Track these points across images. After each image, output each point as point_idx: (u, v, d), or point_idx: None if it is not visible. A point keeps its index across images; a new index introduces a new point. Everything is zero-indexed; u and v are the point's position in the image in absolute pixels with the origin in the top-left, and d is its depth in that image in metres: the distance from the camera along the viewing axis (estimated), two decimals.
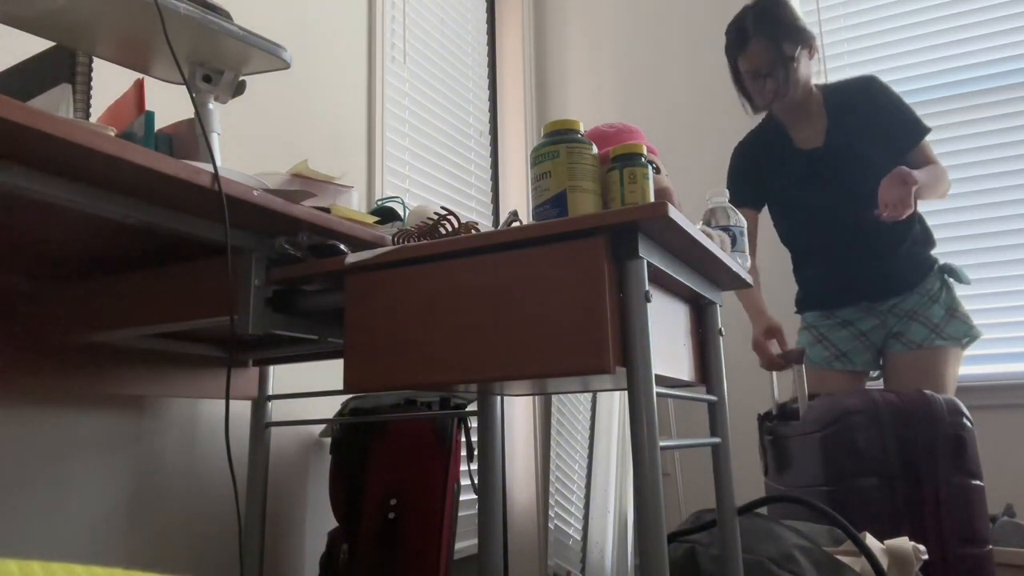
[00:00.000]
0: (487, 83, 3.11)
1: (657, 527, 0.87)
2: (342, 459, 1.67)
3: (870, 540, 1.33)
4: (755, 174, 2.06)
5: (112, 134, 0.81)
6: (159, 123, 1.19)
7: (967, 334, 1.88)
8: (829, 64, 2.79)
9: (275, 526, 1.74)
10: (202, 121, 1.11)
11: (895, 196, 1.73)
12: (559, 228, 0.91)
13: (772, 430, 1.80)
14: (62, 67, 1.18)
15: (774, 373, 1.94)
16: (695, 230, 0.98)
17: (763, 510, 1.59)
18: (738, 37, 1.93)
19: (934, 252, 1.97)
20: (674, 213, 0.90)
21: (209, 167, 0.91)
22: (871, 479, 1.54)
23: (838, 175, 1.94)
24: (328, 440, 1.88)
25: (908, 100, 2.65)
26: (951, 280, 1.93)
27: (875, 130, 1.93)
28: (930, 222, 2.62)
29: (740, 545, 1.25)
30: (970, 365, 2.46)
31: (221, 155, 1.18)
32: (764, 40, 1.87)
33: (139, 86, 1.17)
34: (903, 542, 1.35)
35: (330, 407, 1.91)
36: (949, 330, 1.87)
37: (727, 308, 2.54)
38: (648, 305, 0.91)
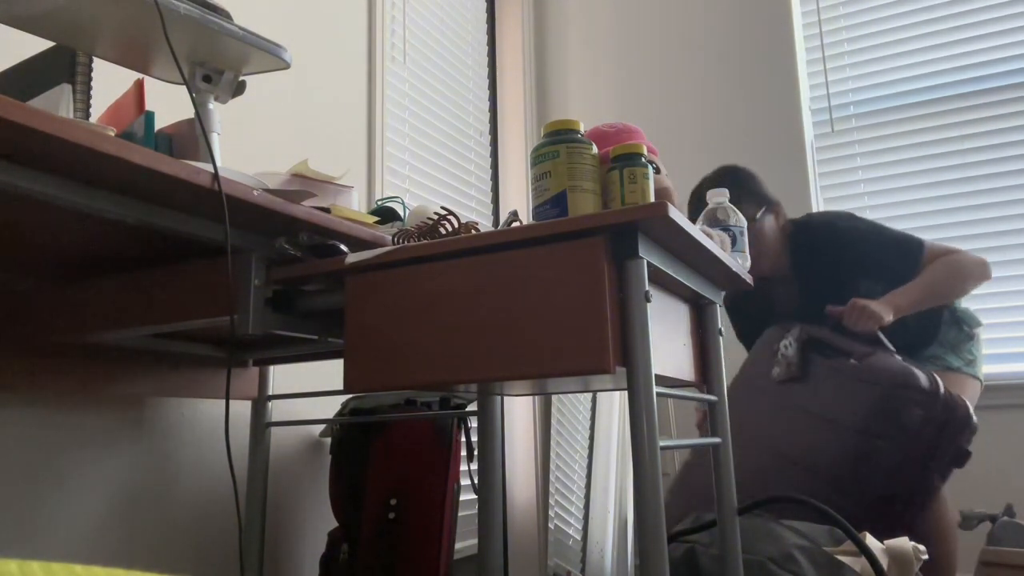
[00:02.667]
0: (487, 83, 3.11)
1: (657, 527, 0.87)
2: (342, 459, 1.67)
3: (870, 540, 1.33)
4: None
5: (112, 134, 0.81)
6: (159, 123, 1.19)
7: (962, 368, 1.85)
8: (829, 64, 2.80)
9: (275, 526, 1.74)
10: (202, 121, 1.11)
11: (858, 321, 1.73)
12: (559, 228, 0.91)
13: (825, 345, 1.77)
14: (62, 67, 1.18)
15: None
16: (695, 230, 0.98)
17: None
18: (698, 204, 1.94)
19: None
20: (674, 213, 0.90)
21: (209, 167, 0.91)
22: (895, 452, 1.59)
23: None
24: (328, 440, 1.88)
25: (907, 100, 2.67)
26: (962, 323, 1.91)
27: (856, 271, 1.89)
28: (931, 222, 2.62)
29: (740, 545, 1.25)
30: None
31: (221, 155, 1.18)
32: (719, 211, 1.92)
33: (139, 86, 1.17)
34: (903, 542, 1.35)
35: (330, 407, 1.91)
36: (946, 360, 1.86)
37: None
38: (648, 305, 0.91)
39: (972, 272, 1.84)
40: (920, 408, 1.59)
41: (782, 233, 1.97)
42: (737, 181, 1.95)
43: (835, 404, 1.68)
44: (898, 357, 1.67)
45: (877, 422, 1.61)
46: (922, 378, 1.61)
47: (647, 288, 0.91)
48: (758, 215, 1.92)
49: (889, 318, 1.73)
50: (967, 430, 1.61)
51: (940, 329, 1.91)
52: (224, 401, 1.39)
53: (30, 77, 1.16)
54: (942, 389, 1.61)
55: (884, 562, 1.29)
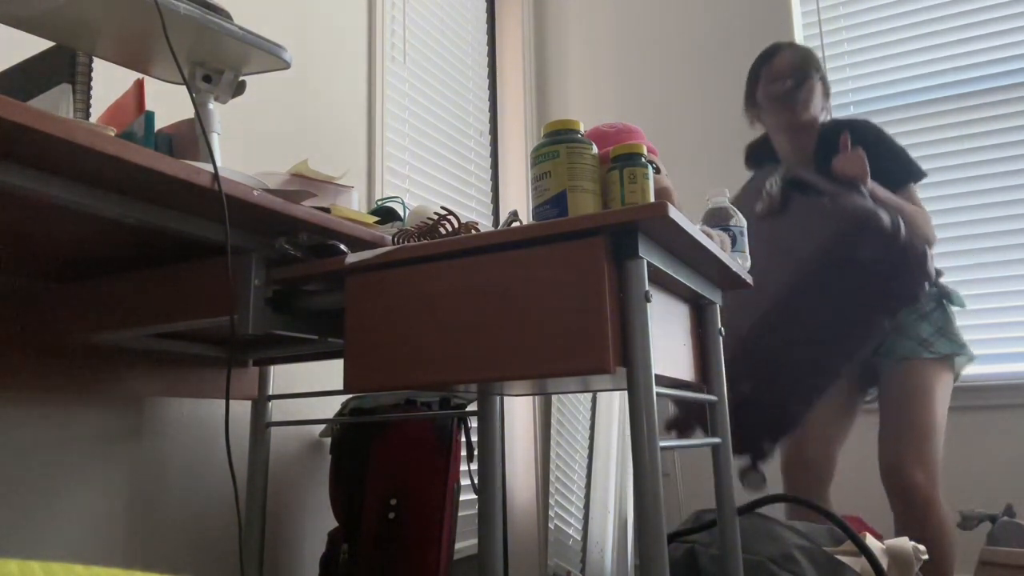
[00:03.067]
0: (487, 83, 3.11)
1: (657, 527, 0.87)
2: (342, 459, 1.67)
3: (870, 540, 1.33)
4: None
5: (112, 134, 0.81)
6: (159, 123, 1.19)
7: (956, 352, 1.86)
8: (829, 64, 2.80)
9: (275, 526, 1.74)
10: (202, 121, 1.11)
11: (849, 164, 1.78)
12: (559, 228, 0.91)
13: (808, 186, 1.81)
14: (62, 67, 1.18)
15: None
16: (695, 230, 0.98)
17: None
18: (768, 51, 2.08)
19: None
20: (674, 213, 0.90)
21: (209, 167, 0.91)
22: (845, 285, 1.66)
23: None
24: (328, 440, 1.88)
25: (907, 100, 2.67)
26: (946, 302, 1.92)
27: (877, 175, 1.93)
28: (935, 221, 2.63)
29: (740, 545, 1.25)
30: (971, 365, 2.46)
31: (221, 155, 1.18)
32: (791, 55, 2.03)
33: (139, 86, 1.17)
34: (903, 542, 1.35)
35: (330, 407, 1.91)
36: (937, 346, 1.85)
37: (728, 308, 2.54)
38: (648, 305, 0.91)
39: (929, 232, 1.89)
40: (876, 247, 1.64)
41: (823, 113, 2.02)
42: (806, 49, 2.06)
43: (797, 236, 1.73)
44: (870, 200, 1.70)
45: (832, 255, 1.66)
46: (885, 219, 1.64)
47: (647, 288, 0.91)
48: (814, 74, 2.00)
49: (869, 185, 1.77)
50: (922, 274, 1.66)
51: (927, 276, 1.90)
52: (224, 401, 1.39)
53: (30, 77, 1.16)
54: (903, 233, 1.64)
55: (884, 562, 1.29)
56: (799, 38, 2.85)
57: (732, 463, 1.27)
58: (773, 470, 1.99)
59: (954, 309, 1.93)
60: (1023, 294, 2.44)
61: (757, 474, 1.88)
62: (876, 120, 2.68)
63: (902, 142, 2.63)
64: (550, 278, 0.91)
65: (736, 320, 1.70)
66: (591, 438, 2.60)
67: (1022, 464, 2.32)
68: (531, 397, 2.91)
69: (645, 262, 0.92)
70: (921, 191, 2.59)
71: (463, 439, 1.72)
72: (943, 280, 1.94)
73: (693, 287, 1.14)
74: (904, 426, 1.80)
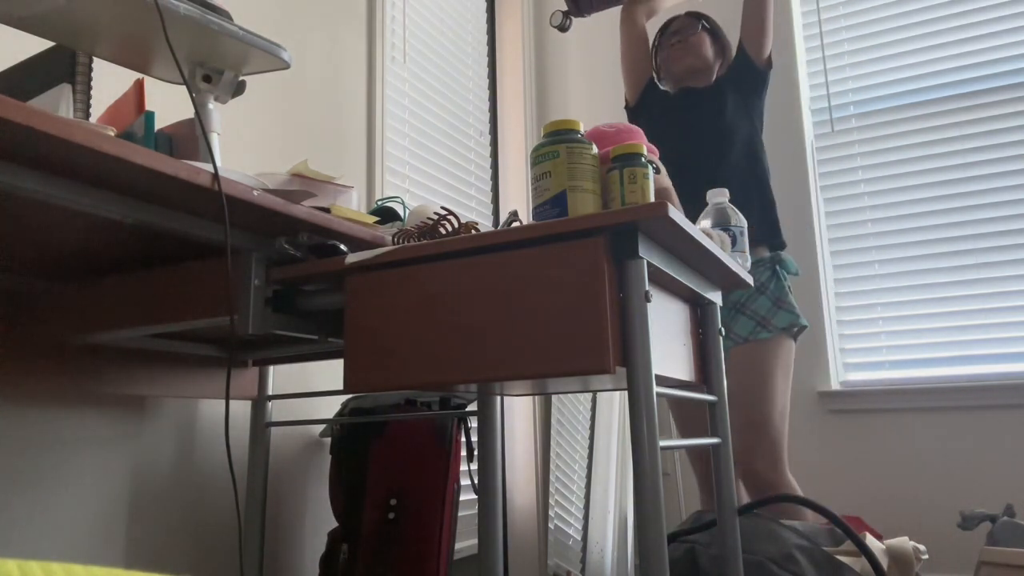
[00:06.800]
0: (487, 83, 3.11)
1: (657, 527, 0.87)
2: (342, 459, 1.67)
3: (870, 540, 1.33)
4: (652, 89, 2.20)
5: (112, 134, 0.81)
6: (159, 123, 1.19)
7: (793, 323, 1.87)
8: (829, 64, 2.80)
9: (275, 526, 1.74)
10: (202, 121, 1.11)
11: None
12: (559, 228, 0.91)
13: None
14: (62, 67, 1.18)
15: None
16: (695, 230, 0.98)
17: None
18: (665, 24, 2.19)
19: (778, 250, 1.97)
20: (674, 213, 0.90)
21: (209, 167, 0.91)
22: None
23: (704, 120, 2.01)
24: (328, 440, 1.88)
25: (907, 100, 2.67)
26: (781, 271, 1.93)
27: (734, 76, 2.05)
28: (931, 222, 2.63)
29: (740, 545, 1.25)
30: (970, 365, 2.46)
31: (221, 155, 1.18)
32: (684, 18, 2.13)
33: (139, 86, 1.17)
34: (903, 542, 1.35)
35: (330, 407, 1.91)
36: (775, 321, 1.86)
37: None
38: (648, 305, 0.91)
39: None
40: None
41: (717, 64, 2.10)
42: (695, 12, 2.17)
43: None
44: None
45: None
46: None
47: (647, 288, 0.91)
48: (711, 27, 2.12)
49: None
50: None
51: (760, 264, 1.92)
52: (224, 401, 1.39)
53: (30, 77, 1.16)
54: None
55: (884, 562, 1.29)
56: (799, 38, 2.85)
57: (731, 459, 1.27)
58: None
59: (789, 277, 1.94)
60: (1022, 294, 2.44)
61: (567, 21, 2.12)
62: (875, 120, 2.69)
63: (901, 142, 2.65)
64: (550, 278, 0.91)
65: None
66: (591, 438, 2.60)
67: (1022, 464, 2.32)
68: (531, 397, 2.91)
69: (645, 262, 0.92)
70: (921, 191, 2.60)
71: (463, 439, 1.72)
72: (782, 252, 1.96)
73: (693, 287, 1.14)
74: (743, 413, 1.82)
